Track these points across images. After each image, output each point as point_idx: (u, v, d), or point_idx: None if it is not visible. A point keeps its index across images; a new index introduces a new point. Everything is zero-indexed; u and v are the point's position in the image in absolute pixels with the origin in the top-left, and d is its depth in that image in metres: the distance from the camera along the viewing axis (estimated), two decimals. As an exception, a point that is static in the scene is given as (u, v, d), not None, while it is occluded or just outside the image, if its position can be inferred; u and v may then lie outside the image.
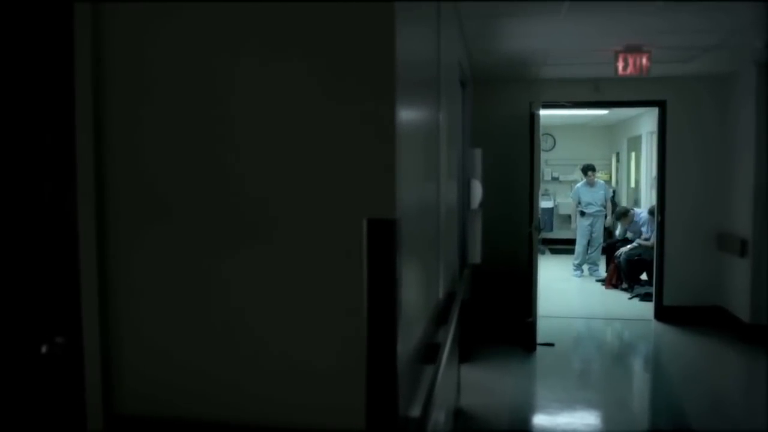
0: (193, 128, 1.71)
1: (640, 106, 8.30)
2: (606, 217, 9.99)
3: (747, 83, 6.22)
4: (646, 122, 10.15)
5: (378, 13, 1.60)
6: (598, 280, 9.45)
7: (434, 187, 2.68)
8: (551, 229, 13.09)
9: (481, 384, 5.08)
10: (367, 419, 1.61)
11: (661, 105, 6.89)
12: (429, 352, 2.37)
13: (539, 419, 4.60)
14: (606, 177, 12.86)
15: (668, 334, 6.63)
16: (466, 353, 5.28)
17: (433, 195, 2.65)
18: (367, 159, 1.62)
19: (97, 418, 1.78)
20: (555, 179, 13.62)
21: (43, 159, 1.87)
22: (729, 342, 6.16)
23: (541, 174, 7.97)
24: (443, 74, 3.03)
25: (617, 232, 9.33)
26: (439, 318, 2.84)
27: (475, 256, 5.16)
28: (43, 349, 1.85)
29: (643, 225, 8.69)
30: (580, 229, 10.00)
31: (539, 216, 6.30)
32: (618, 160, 12.97)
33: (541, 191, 7.39)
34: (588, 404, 4.78)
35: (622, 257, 8.64)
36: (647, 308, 7.35)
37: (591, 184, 10.05)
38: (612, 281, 8.91)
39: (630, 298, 8.22)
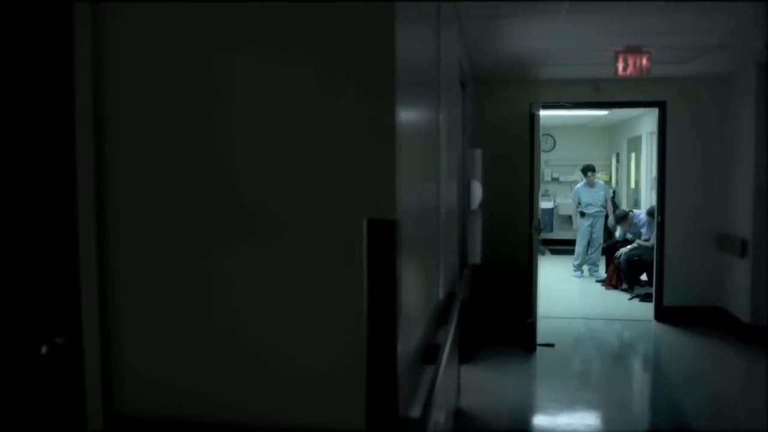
0: (193, 128, 1.71)
1: (640, 106, 8.30)
2: (607, 217, 9.98)
3: (747, 83, 6.22)
4: (646, 123, 10.15)
5: (378, 13, 1.60)
6: (598, 281, 9.45)
7: (434, 188, 2.68)
8: (551, 230, 13.09)
9: (481, 384, 5.08)
10: (367, 419, 1.60)
11: (661, 105, 6.89)
12: (429, 353, 2.37)
13: (539, 420, 4.60)
14: (606, 177, 12.86)
15: (668, 334, 6.62)
16: (466, 354, 5.28)
17: (433, 195, 2.65)
18: (367, 159, 1.62)
19: (97, 419, 1.78)
20: (555, 180, 13.63)
21: (43, 159, 1.87)
22: (729, 342, 6.16)
23: (541, 174, 7.98)
24: (443, 74, 3.03)
25: (617, 233, 9.32)
26: (439, 318, 2.84)
27: (475, 256, 5.16)
28: (43, 350, 1.85)
29: (642, 226, 8.70)
30: (580, 230, 10.00)
31: (539, 216, 6.30)
32: (618, 161, 12.98)
33: (541, 192, 7.39)
34: (588, 405, 4.78)
35: (622, 258, 8.64)
36: (647, 309, 7.35)
37: (591, 184, 10.05)
38: (612, 282, 8.91)
39: (630, 299, 8.22)
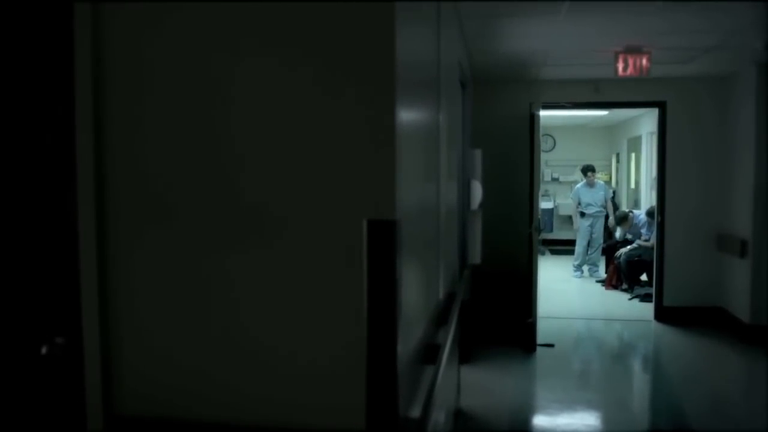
0: (194, 128, 1.71)
1: (640, 106, 8.31)
2: (607, 217, 9.98)
3: (747, 84, 6.22)
4: (646, 123, 10.15)
5: (378, 13, 1.60)
6: (598, 281, 9.45)
7: (434, 188, 2.68)
8: (551, 230, 13.09)
9: (481, 385, 5.07)
10: (367, 420, 1.60)
11: (661, 106, 6.89)
12: (429, 353, 2.37)
13: (539, 420, 4.60)
14: (606, 178, 12.86)
15: (668, 334, 6.62)
16: (466, 354, 5.28)
17: (433, 196, 2.65)
18: (367, 159, 1.62)
19: (97, 419, 1.78)
20: (555, 180, 13.63)
21: (43, 159, 1.87)
22: (729, 343, 6.16)
23: (541, 175, 7.97)
24: (443, 75, 3.03)
25: (617, 234, 9.32)
26: (439, 318, 2.84)
27: (475, 256, 5.16)
28: (43, 350, 1.84)
29: (642, 227, 8.70)
30: (580, 230, 10.00)
31: (539, 217, 6.30)
32: (618, 161, 12.98)
33: (541, 192, 7.39)
34: (588, 405, 4.78)
35: (622, 258, 8.64)
36: (647, 309, 7.35)
37: (591, 184, 10.05)
38: (612, 282, 8.91)
39: (630, 299, 8.22)
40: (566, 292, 8.87)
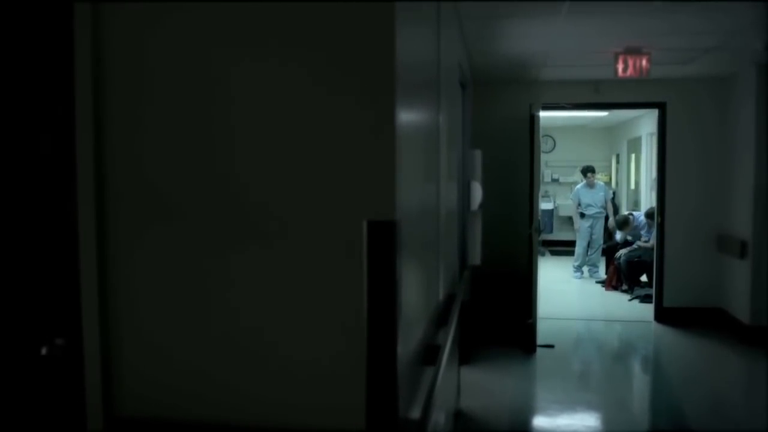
0: (194, 128, 1.71)
1: (640, 107, 8.31)
2: (607, 218, 9.98)
3: (747, 85, 6.22)
4: (646, 124, 10.15)
5: (378, 13, 1.60)
6: (598, 282, 9.45)
7: (434, 189, 2.68)
8: (551, 231, 13.09)
9: (481, 385, 5.07)
10: (367, 420, 1.60)
11: (661, 107, 6.89)
12: (429, 354, 2.37)
13: (539, 421, 4.60)
14: (606, 178, 12.87)
15: (668, 335, 6.62)
16: (466, 355, 5.27)
17: (433, 196, 2.65)
18: (367, 160, 1.62)
19: (97, 420, 1.78)
20: (555, 181, 13.63)
21: (43, 159, 1.87)
22: (729, 344, 6.16)
23: (541, 175, 7.97)
24: (443, 75, 3.03)
25: (618, 236, 9.33)
26: (439, 319, 2.84)
27: (475, 257, 5.16)
28: (43, 351, 1.84)
29: (642, 228, 8.70)
30: (580, 231, 10.00)
31: (539, 217, 6.30)
32: (618, 162, 12.98)
33: (541, 193, 7.39)
34: (588, 406, 4.78)
35: (622, 259, 8.64)
36: (647, 310, 7.35)
37: (591, 185, 10.05)
38: (612, 283, 8.91)
39: (630, 300, 8.22)
40: (566, 293, 8.87)
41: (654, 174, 8.03)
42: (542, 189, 11.68)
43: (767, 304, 6.00)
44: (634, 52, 5.23)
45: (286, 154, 1.67)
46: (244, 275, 1.70)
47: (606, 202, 10.06)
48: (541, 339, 6.02)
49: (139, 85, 1.74)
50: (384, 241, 1.57)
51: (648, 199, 9.99)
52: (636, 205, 11.02)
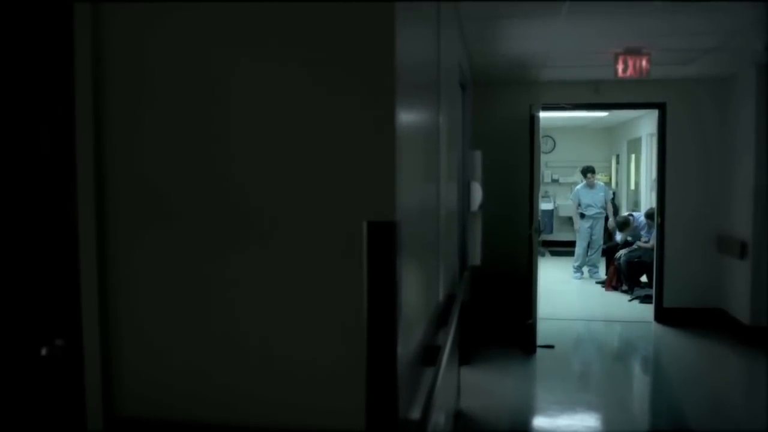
0: (193, 128, 1.71)
1: (640, 108, 8.31)
2: (607, 218, 9.98)
3: (747, 85, 6.22)
4: (645, 124, 10.15)
5: (378, 14, 1.60)
6: (598, 282, 9.44)
7: (434, 190, 2.67)
8: (551, 231, 13.09)
9: (481, 386, 5.07)
10: (367, 421, 1.60)
11: (661, 107, 6.89)
12: (429, 354, 2.37)
13: (539, 421, 4.59)
14: (606, 179, 12.86)
15: (668, 336, 6.62)
16: (466, 355, 5.27)
17: (433, 197, 2.65)
18: (367, 161, 1.62)
19: (97, 420, 1.78)
20: (555, 181, 13.63)
21: (43, 159, 1.87)
22: (729, 344, 6.16)
23: (541, 176, 7.97)
24: (443, 76, 3.03)
25: (618, 237, 9.33)
26: (439, 320, 2.84)
27: (475, 258, 5.16)
28: (43, 352, 1.84)
29: (642, 229, 8.70)
30: (580, 231, 10.00)
31: (539, 218, 6.30)
32: (618, 162, 12.98)
33: (541, 193, 7.39)
34: (588, 406, 4.77)
35: (622, 259, 8.64)
36: (647, 310, 7.35)
37: (591, 186, 10.04)
38: (612, 283, 8.91)
39: (630, 300, 8.21)
40: (566, 293, 8.86)
41: (654, 174, 8.03)
42: (542, 189, 11.67)
43: (767, 304, 6.00)
44: (634, 52, 5.23)
45: (286, 155, 1.67)
46: (244, 275, 1.70)
47: (606, 202, 10.06)
48: (541, 339, 6.02)
49: (139, 86, 1.74)
50: (384, 241, 1.57)
51: (648, 200, 9.98)
52: (636, 205, 11.02)
